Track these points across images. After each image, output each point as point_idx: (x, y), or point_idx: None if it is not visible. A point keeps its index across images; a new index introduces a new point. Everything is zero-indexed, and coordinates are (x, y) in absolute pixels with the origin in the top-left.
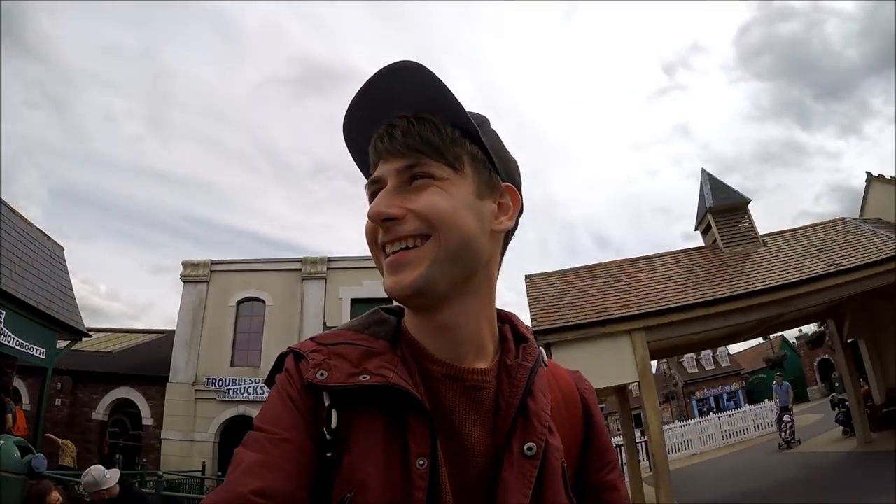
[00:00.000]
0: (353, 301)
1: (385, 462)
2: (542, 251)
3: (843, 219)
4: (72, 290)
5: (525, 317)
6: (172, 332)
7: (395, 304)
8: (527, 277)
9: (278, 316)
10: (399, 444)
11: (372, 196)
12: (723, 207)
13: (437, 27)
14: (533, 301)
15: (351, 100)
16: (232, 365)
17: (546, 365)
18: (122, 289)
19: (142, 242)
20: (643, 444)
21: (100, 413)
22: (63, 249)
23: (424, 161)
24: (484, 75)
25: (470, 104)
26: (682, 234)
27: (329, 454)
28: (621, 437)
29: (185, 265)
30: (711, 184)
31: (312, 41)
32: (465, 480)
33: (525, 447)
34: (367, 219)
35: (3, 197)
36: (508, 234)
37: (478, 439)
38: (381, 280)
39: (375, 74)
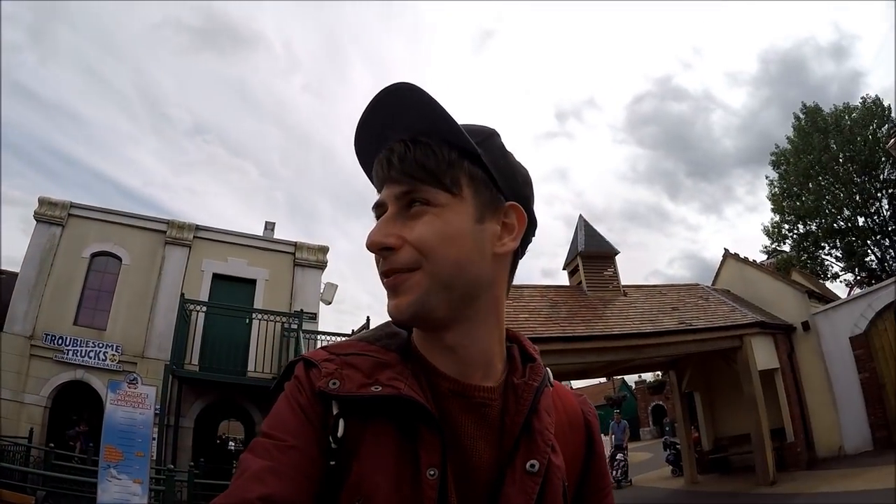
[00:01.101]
0: (215, 276)
1: (395, 472)
2: None
3: (697, 285)
4: None
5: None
6: (12, 273)
7: None
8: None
9: (133, 277)
10: (410, 455)
11: (377, 220)
12: (593, 253)
13: (350, 21)
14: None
15: (359, 120)
16: (75, 323)
17: (552, 385)
18: None
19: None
20: None
21: None
22: None
23: (421, 187)
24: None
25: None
26: (542, 269)
27: (333, 463)
28: None
29: (42, 202)
30: (586, 230)
31: None
32: (469, 494)
33: (528, 464)
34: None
35: None
36: (517, 253)
37: (482, 455)
38: (246, 261)
39: (377, 95)
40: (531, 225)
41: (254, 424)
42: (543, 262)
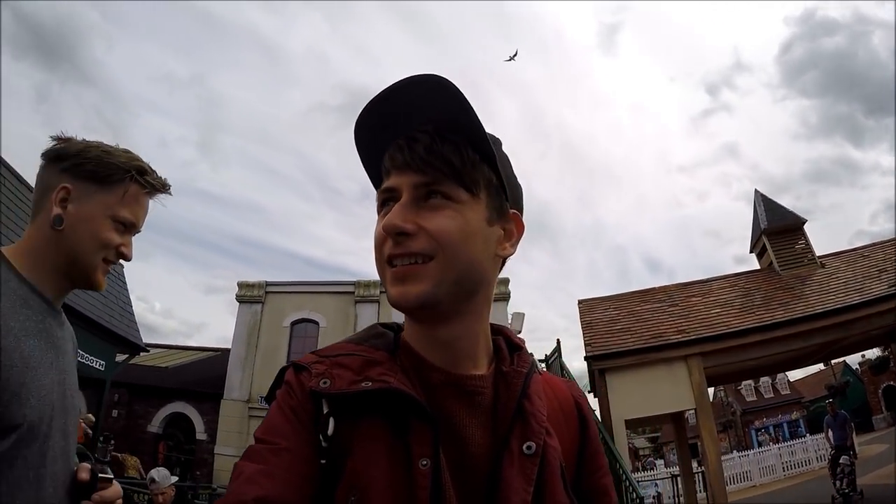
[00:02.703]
0: None
1: (388, 465)
2: (593, 275)
3: None
4: (131, 306)
5: (578, 342)
6: (226, 350)
7: (393, 321)
8: (580, 302)
9: (331, 338)
10: (402, 448)
11: (382, 203)
12: (778, 228)
13: (478, 52)
14: (586, 326)
15: (368, 103)
16: None
17: (540, 373)
18: (177, 307)
19: (196, 263)
20: (700, 474)
21: (154, 426)
22: (122, 266)
23: (443, 181)
24: (528, 99)
25: (514, 127)
26: (734, 257)
27: (324, 461)
28: (677, 467)
29: (241, 286)
30: (765, 205)
31: (355, 67)
32: (467, 481)
33: (524, 446)
34: (378, 227)
35: None
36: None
37: (478, 442)
38: None
39: (398, 83)
40: None
41: None
42: (735, 250)
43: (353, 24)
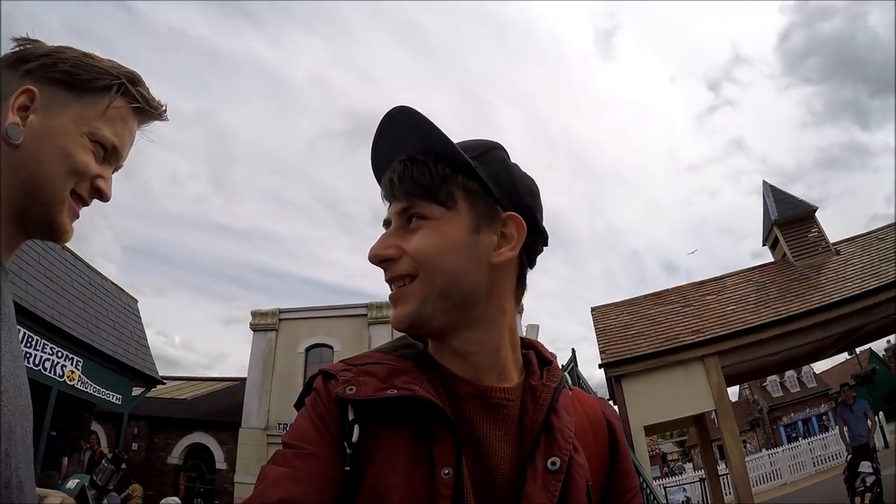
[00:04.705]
0: None
1: (410, 473)
2: (610, 282)
3: None
4: (146, 340)
5: (594, 350)
6: (244, 379)
7: None
8: (593, 310)
9: None
10: (425, 456)
11: None
12: (789, 219)
13: (479, 65)
14: (600, 333)
15: (372, 142)
16: None
17: (570, 389)
18: (196, 339)
19: (213, 295)
20: (727, 476)
21: (175, 457)
22: (136, 302)
23: (417, 203)
24: (531, 109)
25: (520, 137)
26: (751, 252)
27: (348, 467)
28: (703, 471)
29: (254, 314)
30: (774, 195)
31: (359, 90)
32: (488, 493)
33: (549, 462)
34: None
35: (79, 255)
36: (523, 263)
37: (502, 454)
38: None
39: (381, 121)
40: (538, 235)
41: None
42: (750, 246)
43: (353, 48)
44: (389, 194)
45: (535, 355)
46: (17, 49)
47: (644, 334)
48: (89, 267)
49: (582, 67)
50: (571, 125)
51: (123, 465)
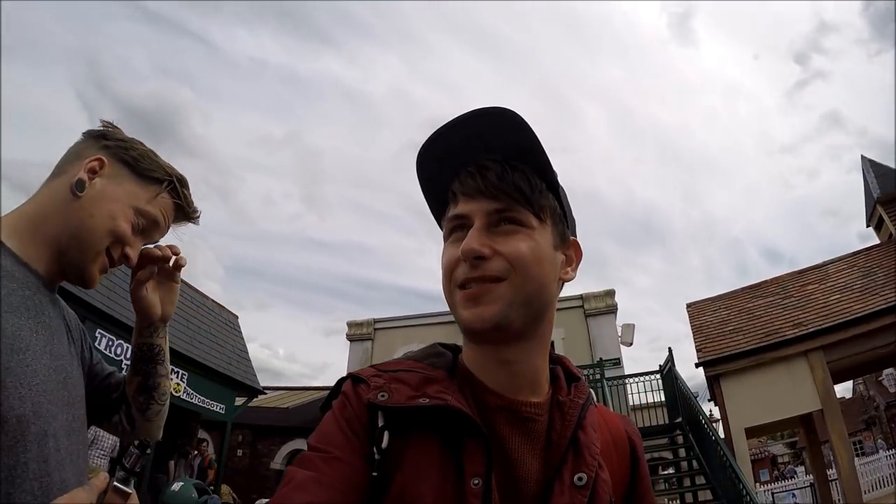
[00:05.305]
0: None
1: (439, 482)
2: (710, 275)
3: None
4: (247, 353)
5: (692, 349)
6: None
7: (450, 342)
8: (688, 306)
9: None
10: (454, 466)
11: (451, 230)
12: (892, 195)
13: (555, 64)
14: (696, 331)
15: (432, 133)
16: None
17: (595, 405)
18: (299, 351)
19: (313, 308)
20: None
21: (277, 463)
22: (237, 318)
23: (515, 207)
24: (613, 103)
25: (604, 132)
26: (858, 234)
27: (376, 474)
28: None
29: (350, 325)
30: (875, 171)
31: (438, 99)
32: None
33: (576, 477)
34: (448, 252)
35: (183, 277)
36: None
37: (530, 468)
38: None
39: (466, 114)
40: None
41: None
42: (857, 226)
43: (428, 59)
44: (479, 190)
45: (562, 370)
46: (102, 128)
47: (742, 330)
48: (191, 287)
49: (660, 55)
50: (656, 114)
51: (149, 451)
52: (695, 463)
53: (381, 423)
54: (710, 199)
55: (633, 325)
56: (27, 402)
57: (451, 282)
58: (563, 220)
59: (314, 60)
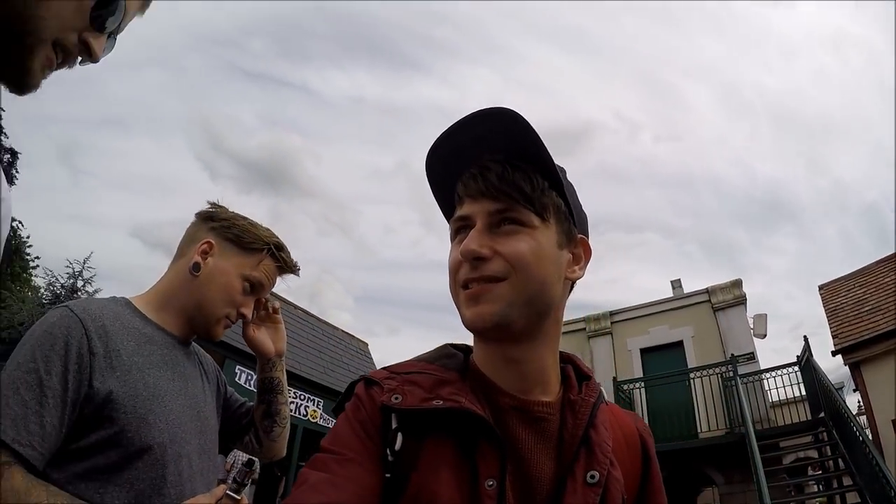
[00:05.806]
0: (642, 351)
1: (454, 483)
2: (848, 249)
3: None
4: None
5: (827, 335)
6: None
7: (461, 342)
8: (820, 288)
9: None
10: (468, 467)
11: (456, 231)
12: None
13: (650, 50)
14: (831, 314)
15: (438, 137)
16: None
17: (607, 404)
18: None
19: (441, 327)
20: None
21: None
22: (367, 345)
23: (516, 207)
24: (717, 79)
25: (712, 112)
26: None
27: (389, 475)
28: None
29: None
30: None
31: (536, 105)
32: None
33: (588, 475)
34: (452, 253)
35: (314, 312)
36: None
37: (542, 467)
38: (666, 326)
39: (469, 116)
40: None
41: (713, 484)
42: None
43: (520, 67)
44: (480, 191)
45: (572, 369)
46: (210, 209)
47: (881, 308)
48: (321, 320)
49: (756, 20)
50: (763, 84)
51: (255, 467)
52: (840, 462)
53: (394, 426)
54: (837, 164)
55: (766, 315)
56: (165, 433)
57: (456, 282)
58: (568, 219)
59: (407, 87)
